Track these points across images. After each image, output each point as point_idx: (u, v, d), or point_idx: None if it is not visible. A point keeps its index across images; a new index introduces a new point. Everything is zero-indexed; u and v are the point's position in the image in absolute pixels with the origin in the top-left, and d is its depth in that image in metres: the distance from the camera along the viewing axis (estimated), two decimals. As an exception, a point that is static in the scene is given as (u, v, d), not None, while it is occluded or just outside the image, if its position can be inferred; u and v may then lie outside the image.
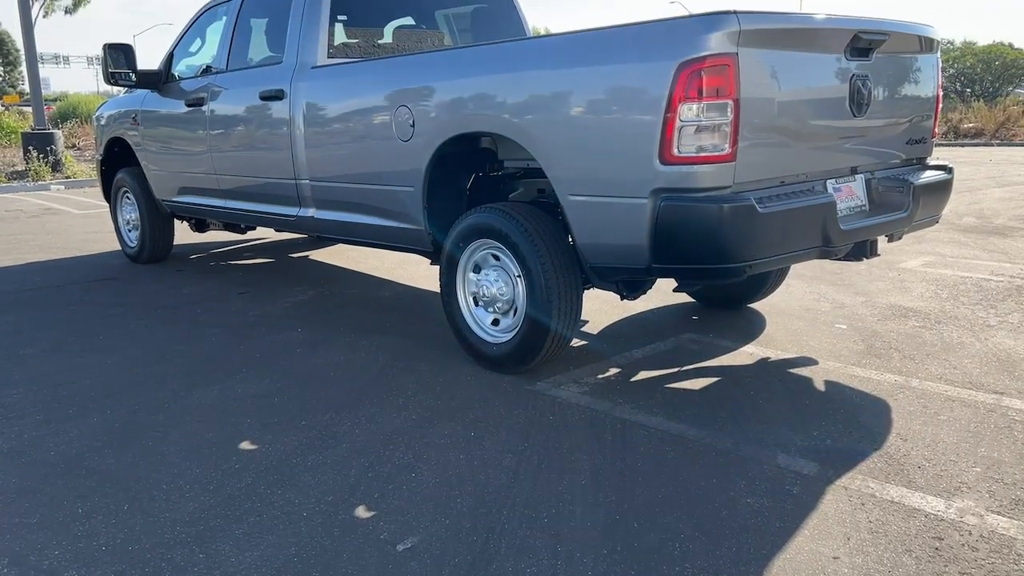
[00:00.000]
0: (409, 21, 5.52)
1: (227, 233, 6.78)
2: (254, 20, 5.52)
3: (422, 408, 3.49)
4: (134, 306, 5.40)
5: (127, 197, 6.84)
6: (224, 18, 5.65)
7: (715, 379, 3.81)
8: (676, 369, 3.94)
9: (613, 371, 3.93)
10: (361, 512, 2.63)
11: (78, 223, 9.47)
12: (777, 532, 2.46)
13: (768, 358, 4.07)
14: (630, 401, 3.52)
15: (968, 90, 36.20)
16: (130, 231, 6.95)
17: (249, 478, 2.87)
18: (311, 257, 7.07)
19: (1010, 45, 40.31)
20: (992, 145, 20.86)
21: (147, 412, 3.52)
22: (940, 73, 4.13)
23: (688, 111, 2.96)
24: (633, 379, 3.82)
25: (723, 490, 2.72)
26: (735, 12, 2.94)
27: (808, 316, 4.78)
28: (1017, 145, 20.62)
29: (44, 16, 43.99)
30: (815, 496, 2.67)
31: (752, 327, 4.59)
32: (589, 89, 3.30)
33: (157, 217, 6.62)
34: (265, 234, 7.87)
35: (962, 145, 20.99)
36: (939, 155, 4.27)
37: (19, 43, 30.61)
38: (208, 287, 5.96)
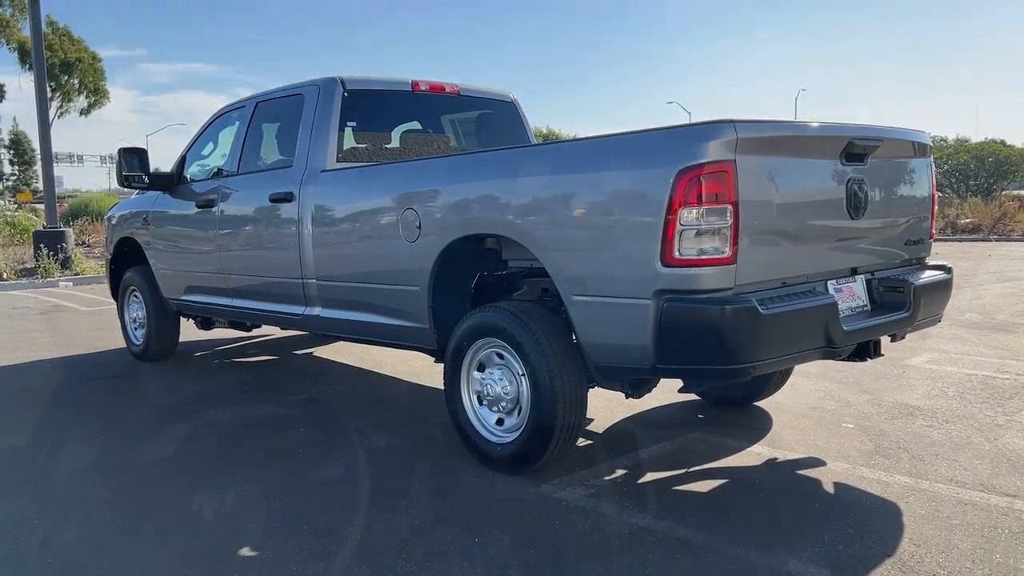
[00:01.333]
0: (416, 126, 5.69)
1: (232, 330, 6.81)
2: (266, 125, 5.70)
3: (425, 512, 3.43)
4: (137, 405, 5.39)
5: (135, 295, 6.91)
6: (236, 123, 5.84)
7: (723, 481, 3.76)
8: (684, 470, 3.89)
9: (620, 472, 3.87)
10: (362, 623, 2.56)
11: (84, 320, 9.53)
12: (791, 645, 2.39)
13: (776, 459, 4.02)
14: (637, 504, 3.46)
15: (963, 186, 36.82)
16: (136, 329, 6.99)
17: (248, 586, 2.80)
18: (315, 354, 7.08)
19: (1002, 142, 41.21)
20: (990, 240, 21.08)
21: (146, 516, 3.47)
22: (934, 175, 4.22)
23: (688, 215, 3.03)
24: (640, 481, 3.77)
25: (734, 599, 2.65)
26: (732, 121, 3.04)
27: (814, 415, 4.75)
28: (1015, 240, 20.84)
29: (59, 117, 45.62)
30: (829, 606, 2.60)
31: (759, 426, 4.55)
32: (592, 194, 3.39)
33: (163, 315, 6.67)
34: (269, 331, 7.89)
35: (960, 240, 21.21)
36: (938, 250, 4.34)
37: (35, 143, 31.56)
38: (212, 385, 5.95)
